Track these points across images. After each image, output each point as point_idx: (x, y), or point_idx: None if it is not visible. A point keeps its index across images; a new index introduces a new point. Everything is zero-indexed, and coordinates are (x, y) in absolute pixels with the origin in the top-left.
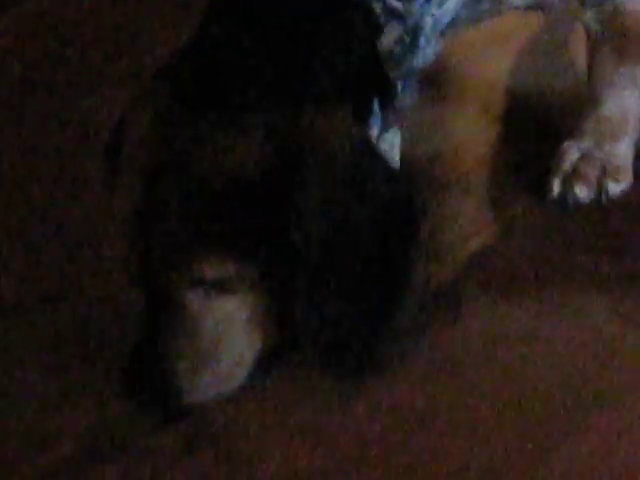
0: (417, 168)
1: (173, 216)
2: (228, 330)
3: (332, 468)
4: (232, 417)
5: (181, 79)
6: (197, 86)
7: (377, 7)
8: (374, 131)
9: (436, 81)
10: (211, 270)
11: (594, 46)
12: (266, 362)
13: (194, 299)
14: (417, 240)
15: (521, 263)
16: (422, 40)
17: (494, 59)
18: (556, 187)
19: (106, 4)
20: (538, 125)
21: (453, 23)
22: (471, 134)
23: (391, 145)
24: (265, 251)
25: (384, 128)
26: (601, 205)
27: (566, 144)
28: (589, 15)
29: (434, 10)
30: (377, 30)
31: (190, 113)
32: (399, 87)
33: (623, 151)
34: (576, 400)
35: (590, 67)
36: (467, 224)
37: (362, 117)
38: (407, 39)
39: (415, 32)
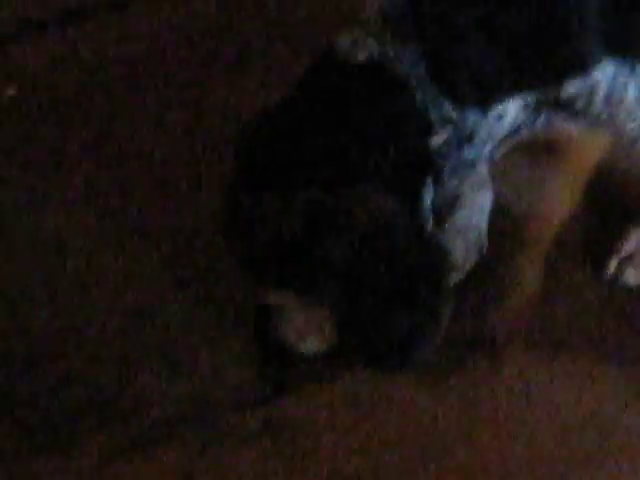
0: (509, 223)
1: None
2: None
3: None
4: (302, 414)
5: (257, 145)
6: (267, 156)
7: (434, 113)
8: (427, 200)
9: (541, 147)
10: (275, 299)
11: None
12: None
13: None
14: (442, 298)
15: (562, 328)
16: (476, 140)
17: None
18: (612, 267)
19: None
20: (612, 206)
21: (512, 132)
22: (562, 200)
23: (480, 206)
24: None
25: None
26: None
27: (631, 231)
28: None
29: (489, 123)
30: (428, 132)
31: (258, 181)
32: (445, 173)
33: None
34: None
35: None
36: (534, 282)
37: (409, 194)
38: (454, 142)
39: (471, 136)
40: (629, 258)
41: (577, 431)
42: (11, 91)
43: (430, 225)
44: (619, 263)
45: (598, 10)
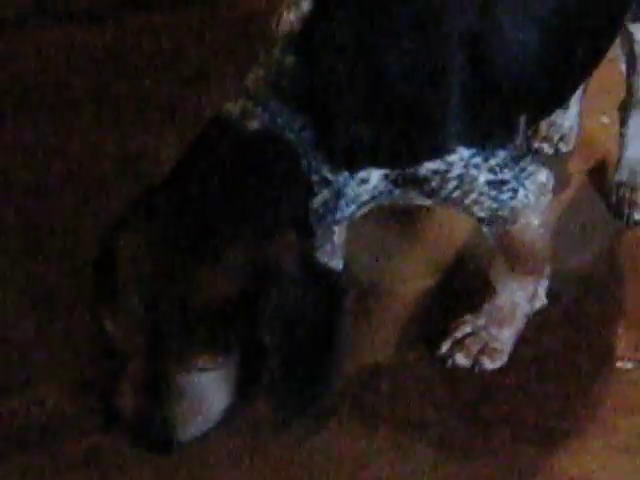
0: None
1: (175, 328)
2: (205, 394)
3: None
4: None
5: (167, 217)
6: (179, 225)
7: (315, 177)
8: None
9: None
10: (204, 362)
11: (494, 251)
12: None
13: (183, 377)
14: (343, 326)
15: (386, 402)
16: (342, 203)
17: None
18: (444, 348)
19: None
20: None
21: (372, 199)
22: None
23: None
24: (242, 345)
25: None
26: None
27: (466, 317)
28: (486, 230)
29: (355, 185)
30: (310, 195)
31: (178, 250)
32: (318, 233)
33: (506, 337)
34: None
35: (491, 266)
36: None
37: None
38: (331, 204)
39: (337, 197)
40: (460, 342)
41: None
42: None
43: None
44: (452, 346)
45: (456, 104)
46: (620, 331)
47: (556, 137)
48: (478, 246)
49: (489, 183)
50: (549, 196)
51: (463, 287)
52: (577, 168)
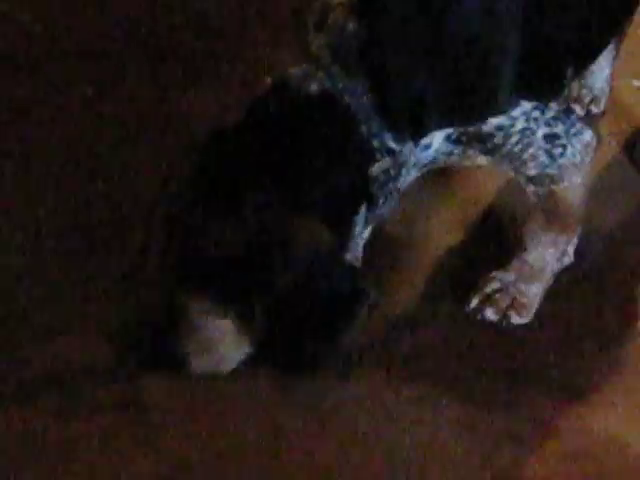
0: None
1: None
2: (216, 338)
3: None
4: (157, 396)
5: (210, 166)
6: (218, 177)
7: (376, 143)
8: (358, 228)
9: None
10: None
11: (531, 210)
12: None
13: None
14: (355, 318)
15: (416, 353)
16: (404, 171)
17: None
18: (473, 303)
19: None
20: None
21: (432, 161)
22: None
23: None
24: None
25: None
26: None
27: (494, 273)
28: (530, 188)
29: (418, 152)
30: (370, 161)
31: (208, 200)
32: (380, 202)
33: (534, 293)
34: None
35: (526, 223)
36: None
37: (343, 221)
38: (392, 172)
39: (400, 165)
40: (490, 297)
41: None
42: None
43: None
44: (481, 301)
45: (516, 60)
46: None
47: (587, 98)
48: (508, 203)
49: (545, 137)
50: (592, 156)
51: (492, 243)
52: (607, 130)
